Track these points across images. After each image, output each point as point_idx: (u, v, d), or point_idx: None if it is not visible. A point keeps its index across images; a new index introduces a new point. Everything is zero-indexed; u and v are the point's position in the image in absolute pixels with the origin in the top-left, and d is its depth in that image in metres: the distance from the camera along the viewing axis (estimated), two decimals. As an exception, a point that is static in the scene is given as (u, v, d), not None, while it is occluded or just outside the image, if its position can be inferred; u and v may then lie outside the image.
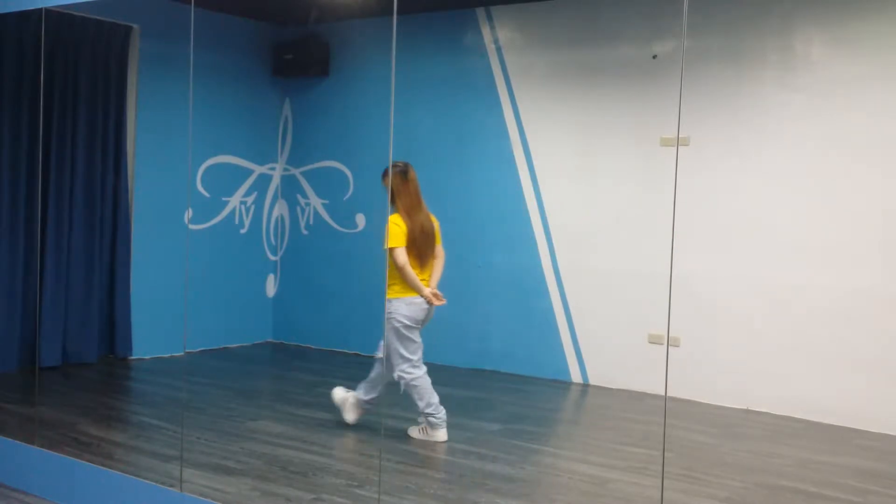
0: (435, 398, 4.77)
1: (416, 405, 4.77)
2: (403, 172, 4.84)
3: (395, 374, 4.75)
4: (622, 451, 4.70)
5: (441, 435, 4.75)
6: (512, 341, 6.64)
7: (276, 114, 7.75)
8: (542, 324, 6.50)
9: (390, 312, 4.78)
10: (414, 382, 4.74)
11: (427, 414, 4.75)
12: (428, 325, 7.00)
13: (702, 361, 5.79)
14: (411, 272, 4.74)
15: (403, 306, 4.78)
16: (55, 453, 4.07)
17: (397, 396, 5.83)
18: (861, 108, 5.36)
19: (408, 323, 4.79)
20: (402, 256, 4.73)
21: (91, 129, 6.47)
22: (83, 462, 3.98)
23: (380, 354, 4.88)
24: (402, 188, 4.81)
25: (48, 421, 4.79)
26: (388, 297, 4.79)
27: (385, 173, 4.84)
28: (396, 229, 4.75)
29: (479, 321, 6.77)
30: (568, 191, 6.44)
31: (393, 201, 4.81)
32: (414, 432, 4.82)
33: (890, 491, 4.19)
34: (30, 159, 6.12)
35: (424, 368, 4.80)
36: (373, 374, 4.93)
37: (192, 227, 6.97)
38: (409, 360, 4.76)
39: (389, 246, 4.74)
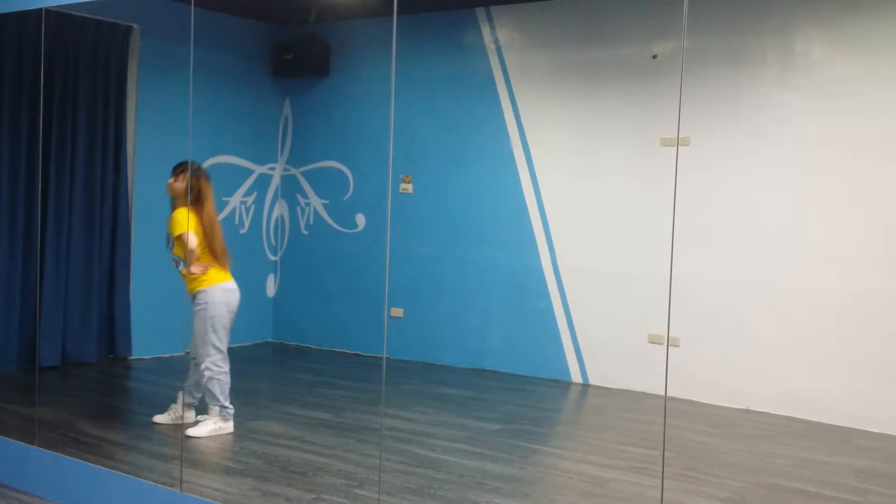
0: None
1: (211, 398, 4.74)
2: (208, 175, 4.84)
3: (203, 366, 4.71)
4: (622, 451, 4.70)
5: (231, 426, 4.79)
6: (512, 341, 6.65)
7: (276, 114, 7.75)
8: (542, 324, 6.50)
9: (207, 303, 4.71)
10: (220, 377, 4.73)
11: (224, 407, 4.77)
12: (428, 324, 7.05)
13: (702, 361, 5.79)
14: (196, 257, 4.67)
15: (220, 293, 4.75)
16: (55, 453, 4.07)
17: (395, 396, 5.84)
18: (861, 108, 5.37)
19: (225, 311, 4.78)
20: (194, 240, 4.64)
21: (91, 129, 6.47)
22: (83, 462, 3.98)
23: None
24: (208, 190, 4.79)
25: (48, 421, 4.79)
26: (200, 287, 4.71)
27: (181, 170, 4.73)
28: (184, 216, 4.66)
29: (479, 321, 6.78)
30: (568, 190, 6.44)
31: (197, 200, 4.71)
32: (202, 430, 4.70)
33: (890, 491, 4.19)
34: (30, 159, 6.12)
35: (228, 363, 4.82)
36: (195, 377, 4.86)
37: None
38: (221, 352, 4.76)
39: (181, 232, 4.66)
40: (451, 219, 6.91)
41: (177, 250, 4.75)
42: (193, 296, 4.76)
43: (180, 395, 4.90)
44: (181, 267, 4.76)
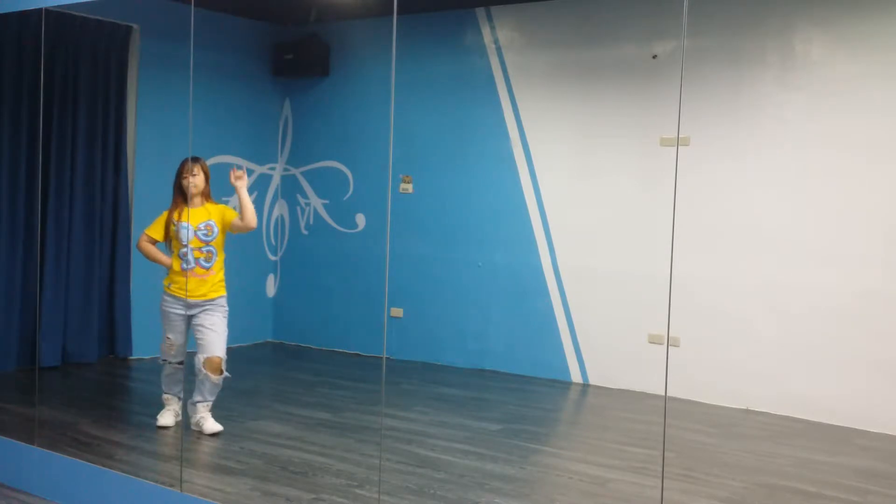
0: None
1: (208, 396, 4.74)
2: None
3: (225, 365, 4.72)
4: (622, 451, 4.70)
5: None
6: (512, 341, 6.65)
7: (276, 114, 7.75)
8: (542, 324, 6.50)
9: (226, 308, 4.80)
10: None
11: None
12: (428, 324, 7.05)
13: (702, 361, 5.79)
14: None
15: None
16: (55, 453, 4.07)
17: (395, 396, 5.84)
18: (861, 108, 5.37)
19: None
20: None
21: (91, 129, 6.47)
22: (83, 462, 3.98)
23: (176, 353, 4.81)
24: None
25: (48, 421, 4.79)
26: (223, 293, 4.79)
27: (189, 165, 4.69)
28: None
29: (479, 321, 6.78)
30: (568, 190, 6.44)
31: (209, 192, 4.78)
32: (211, 424, 4.71)
33: (890, 491, 4.19)
34: (30, 159, 6.12)
35: None
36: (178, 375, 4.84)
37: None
38: None
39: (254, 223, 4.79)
40: (451, 219, 6.92)
41: (218, 243, 4.73)
42: (213, 299, 4.72)
43: (167, 395, 4.92)
44: (194, 265, 4.67)
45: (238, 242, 7.43)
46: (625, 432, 5.13)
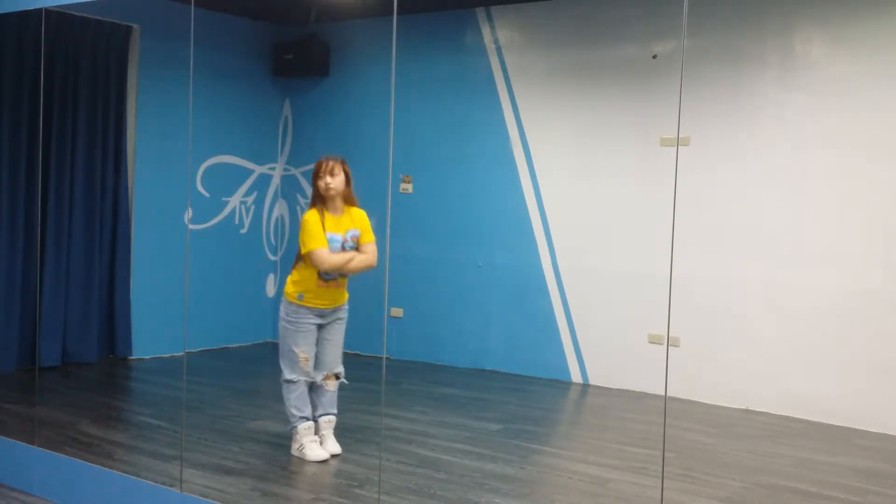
0: None
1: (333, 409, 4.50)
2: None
3: (341, 376, 4.51)
4: (622, 451, 4.70)
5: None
6: (512, 341, 6.65)
7: (276, 114, 7.75)
8: (542, 324, 6.50)
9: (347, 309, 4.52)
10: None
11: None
12: (428, 324, 7.05)
13: (702, 361, 5.79)
14: None
15: None
16: (55, 453, 4.07)
17: (395, 396, 5.84)
18: (861, 108, 5.37)
19: None
20: None
21: (91, 129, 6.47)
22: (83, 462, 3.98)
23: (306, 366, 4.38)
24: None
25: (48, 421, 4.79)
26: (346, 299, 4.47)
27: (326, 164, 4.27)
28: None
29: (479, 321, 6.78)
30: (568, 191, 6.44)
31: (351, 196, 4.38)
32: (333, 444, 4.46)
33: (890, 491, 4.19)
34: (30, 159, 6.12)
35: None
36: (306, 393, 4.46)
37: (192, 227, 6.97)
38: None
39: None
40: (451, 219, 6.92)
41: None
42: (341, 305, 4.43)
43: (307, 422, 4.43)
44: (337, 276, 4.33)
45: (238, 242, 7.47)
46: (625, 432, 5.13)
